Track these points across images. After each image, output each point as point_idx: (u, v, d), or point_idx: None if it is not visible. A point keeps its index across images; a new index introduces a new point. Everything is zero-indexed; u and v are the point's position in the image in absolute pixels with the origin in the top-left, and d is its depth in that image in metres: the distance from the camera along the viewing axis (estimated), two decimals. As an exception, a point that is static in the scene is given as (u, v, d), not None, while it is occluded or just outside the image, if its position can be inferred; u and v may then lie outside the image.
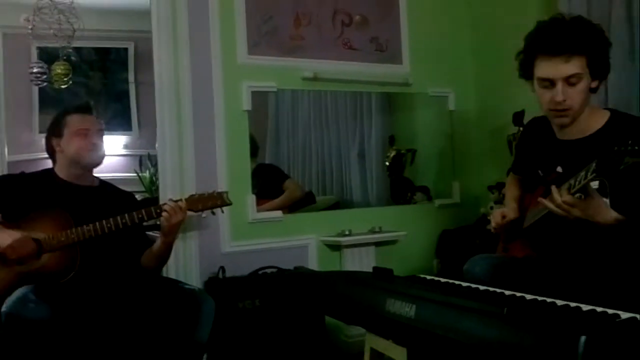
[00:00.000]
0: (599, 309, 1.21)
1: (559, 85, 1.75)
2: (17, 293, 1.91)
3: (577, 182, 1.60)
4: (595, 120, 1.82)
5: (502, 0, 3.43)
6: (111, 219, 2.09)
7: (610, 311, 1.18)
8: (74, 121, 2.26)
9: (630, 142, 1.39)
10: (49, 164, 2.35)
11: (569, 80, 1.74)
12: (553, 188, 1.66)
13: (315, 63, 3.20)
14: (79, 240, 2.08)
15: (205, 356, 2.51)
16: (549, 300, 1.34)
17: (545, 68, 1.77)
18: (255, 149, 3.10)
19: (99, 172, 2.38)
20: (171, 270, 2.77)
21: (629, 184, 1.64)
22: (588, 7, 2.73)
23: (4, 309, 1.86)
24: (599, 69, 1.78)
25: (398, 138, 3.62)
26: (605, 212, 1.64)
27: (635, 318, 1.12)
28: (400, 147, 3.60)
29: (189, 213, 2.21)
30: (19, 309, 1.86)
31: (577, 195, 1.63)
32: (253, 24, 3.06)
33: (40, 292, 1.95)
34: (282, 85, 3.15)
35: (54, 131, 2.28)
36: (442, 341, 1.27)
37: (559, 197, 1.62)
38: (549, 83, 1.77)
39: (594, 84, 1.80)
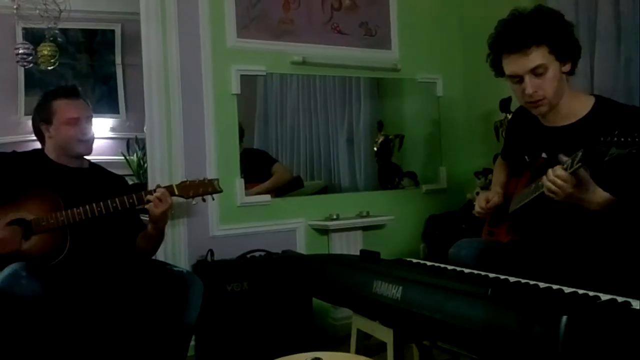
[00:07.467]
0: (580, 291, 1.24)
1: (527, 79, 1.77)
2: (9, 269, 1.89)
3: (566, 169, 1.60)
4: (580, 106, 1.83)
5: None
6: (101, 203, 2.08)
7: (591, 293, 1.21)
8: (63, 108, 2.20)
9: (616, 132, 1.39)
10: (34, 146, 2.33)
11: (535, 72, 1.76)
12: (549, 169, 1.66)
13: (304, 47, 3.20)
14: (68, 223, 2.06)
15: (193, 338, 2.54)
16: (532, 282, 1.37)
17: (509, 65, 1.81)
18: (241, 134, 3.09)
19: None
20: (160, 252, 2.75)
21: (613, 173, 1.63)
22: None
23: None
24: (565, 53, 1.78)
25: (386, 123, 3.63)
26: (596, 192, 1.63)
27: (614, 300, 1.16)
28: (388, 132, 3.61)
29: (180, 199, 2.21)
30: (10, 284, 1.85)
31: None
32: (242, 7, 3.04)
33: (31, 268, 1.93)
34: (271, 69, 3.14)
35: (41, 117, 2.23)
36: (427, 322, 1.29)
37: (552, 172, 1.63)
38: (518, 78, 1.80)
39: (565, 68, 1.81)
